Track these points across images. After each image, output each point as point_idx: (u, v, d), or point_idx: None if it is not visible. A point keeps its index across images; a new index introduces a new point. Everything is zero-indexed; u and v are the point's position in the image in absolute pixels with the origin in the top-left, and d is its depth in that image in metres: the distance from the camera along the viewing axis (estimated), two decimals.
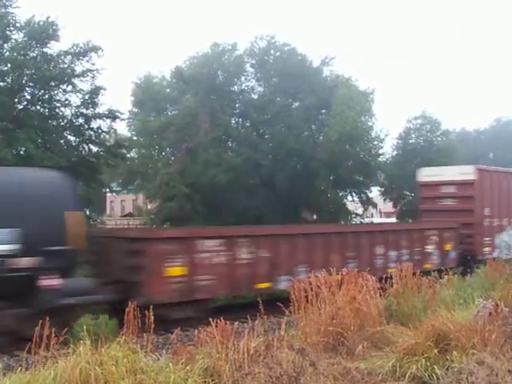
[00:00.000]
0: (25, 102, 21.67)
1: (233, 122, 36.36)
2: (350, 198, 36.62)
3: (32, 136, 19.64)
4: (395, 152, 39.16)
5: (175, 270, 13.15)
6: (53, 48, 21.76)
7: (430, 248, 19.99)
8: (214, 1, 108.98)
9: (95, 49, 22.26)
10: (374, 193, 38.73)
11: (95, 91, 22.72)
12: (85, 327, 7.84)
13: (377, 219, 41.14)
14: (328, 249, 16.37)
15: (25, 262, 10.98)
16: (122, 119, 25.45)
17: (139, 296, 11.38)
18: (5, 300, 10.73)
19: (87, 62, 22.31)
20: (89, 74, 22.36)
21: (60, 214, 11.67)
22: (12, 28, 21.21)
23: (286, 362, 7.57)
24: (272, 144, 32.77)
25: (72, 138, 22.83)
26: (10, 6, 21.28)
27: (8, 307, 10.82)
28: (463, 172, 23.42)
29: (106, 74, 23.88)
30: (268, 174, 30.70)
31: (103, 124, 23.36)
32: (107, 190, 32.21)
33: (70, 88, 22.18)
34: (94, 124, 22.97)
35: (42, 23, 21.30)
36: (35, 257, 10.99)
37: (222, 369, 7.21)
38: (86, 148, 23.10)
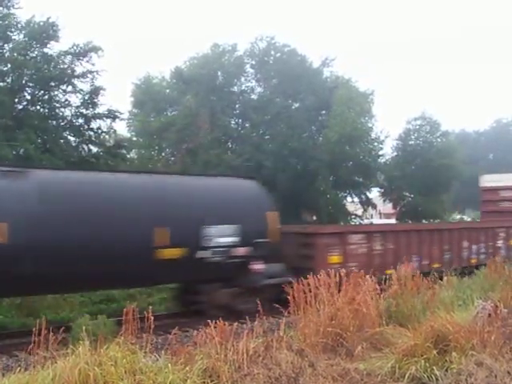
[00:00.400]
0: (25, 102, 21.67)
1: (233, 122, 36.40)
2: (349, 198, 36.62)
3: (31, 137, 19.64)
4: (395, 153, 39.18)
5: (334, 258, 16.47)
6: (53, 48, 21.82)
7: (499, 243, 23.45)
8: (213, 1, 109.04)
9: (95, 49, 22.27)
10: (374, 194, 38.73)
11: (95, 91, 22.71)
12: (84, 327, 7.83)
13: (376, 220, 41.06)
14: (431, 243, 19.92)
15: (241, 250, 14.27)
16: (122, 119, 25.45)
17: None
18: (224, 280, 13.65)
19: (87, 62, 22.35)
20: (88, 75, 22.39)
21: (263, 214, 15.07)
22: (13, 29, 21.24)
23: (285, 363, 7.57)
24: (274, 144, 32.77)
25: (72, 139, 22.81)
26: (12, 6, 21.33)
27: (225, 286, 13.77)
28: None
29: (105, 74, 23.87)
30: (269, 174, 30.71)
31: (103, 124, 23.37)
32: None
33: (69, 88, 22.20)
34: (94, 124, 22.96)
35: (42, 23, 21.30)
36: (248, 247, 14.33)
37: (221, 369, 7.21)
38: (86, 148, 23.08)
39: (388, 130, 53.91)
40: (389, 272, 16.78)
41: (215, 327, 7.89)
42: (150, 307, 8.25)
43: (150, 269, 12.81)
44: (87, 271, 11.76)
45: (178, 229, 13.09)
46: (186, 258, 13.22)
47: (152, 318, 7.94)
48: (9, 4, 21.14)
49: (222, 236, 13.95)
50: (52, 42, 21.61)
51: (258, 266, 14.49)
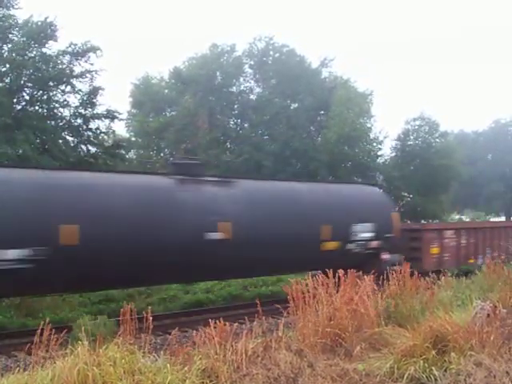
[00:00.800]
0: (23, 103, 21.67)
1: (231, 123, 36.41)
2: None
3: (30, 137, 19.63)
4: (394, 153, 39.20)
5: (435, 249, 20.33)
6: (51, 48, 21.84)
7: None
8: (213, 1, 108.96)
9: (93, 49, 22.30)
10: None
11: (94, 92, 22.73)
12: (83, 328, 7.82)
13: None
14: (499, 238, 23.64)
15: (375, 243, 17.58)
16: (121, 119, 25.48)
17: (418, 267, 16.84)
18: (360, 267, 14.82)
19: (86, 62, 22.37)
20: (87, 74, 22.40)
21: (390, 214, 18.64)
22: (12, 30, 21.26)
23: (284, 363, 7.56)
24: (276, 145, 32.80)
25: (70, 139, 22.84)
26: (12, 7, 21.34)
27: (363, 272, 15.45)
28: None
29: (104, 74, 23.89)
30: (269, 174, 30.77)
31: (102, 124, 23.40)
32: None
33: (68, 88, 22.21)
34: (93, 124, 23.00)
35: (40, 23, 21.31)
36: (379, 240, 17.59)
37: (219, 370, 7.20)
38: (85, 148, 23.09)
39: (387, 130, 53.82)
40: (471, 261, 21.36)
41: (214, 327, 7.88)
42: (149, 307, 8.25)
43: (317, 257, 16.18)
44: (277, 258, 15.10)
45: (336, 226, 16.65)
46: (339, 249, 16.77)
47: (151, 318, 7.93)
48: (8, 5, 21.17)
49: (363, 232, 17.37)
50: (50, 42, 21.68)
51: (386, 256, 17.72)
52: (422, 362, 7.93)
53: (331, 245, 16.56)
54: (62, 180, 12.53)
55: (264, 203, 15.38)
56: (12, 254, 11.06)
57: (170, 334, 8.71)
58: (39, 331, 7.21)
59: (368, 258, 17.16)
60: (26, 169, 13.08)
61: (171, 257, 13.01)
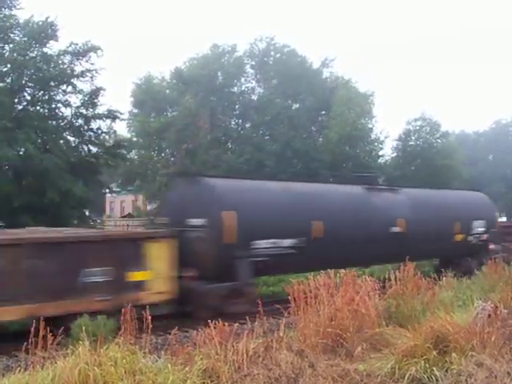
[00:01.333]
0: (25, 103, 21.67)
1: (233, 123, 36.41)
2: None
3: (31, 137, 19.63)
4: (395, 153, 39.18)
5: None
6: (52, 48, 21.85)
7: None
8: (213, 1, 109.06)
9: (94, 49, 22.29)
10: None
11: (95, 92, 22.72)
12: (84, 328, 7.81)
13: None
14: None
15: (484, 236, 22.62)
16: (122, 119, 25.48)
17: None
18: (476, 254, 21.66)
19: (86, 62, 22.36)
20: (88, 74, 22.38)
21: (494, 213, 24.47)
22: (15, 32, 21.29)
23: (285, 364, 7.55)
24: (277, 145, 32.80)
25: (72, 139, 22.84)
26: (14, 7, 21.36)
27: (472, 259, 21.24)
28: None
29: (105, 74, 23.91)
30: (270, 174, 30.76)
31: (103, 125, 23.40)
32: (107, 190, 32.13)
33: (69, 89, 22.21)
34: (94, 125, 23.00)
35: (40, 23, 21.32)
36: (487, 234, 22.67)
37: (220, 370, 7.19)
38: (86, 149, 23.09)
39: (388, 130, 53.90)
40: None
41: (215, 327, 7.87)
42: (148, 307, 8.23)
43: (451, 246, 21.20)
44: (431, 246, 19.96)
45: (463, 222, 21.70)
46: (463, 240, 21.75)
47: (150, 317, 7.91)
48: (10, 5, 21.20)
49: (478, 227, 22.30)
50: (51, 42, 21.67)
51: (492, 246, 22.57)
52: (423, 362, 7.92)
53: (459, 237, 21.60)
54: (309, 189, 17.68)
55: (421, 205, 20.46)
56: (286, 242, 15.51)
57: (170, 334, 8.67)
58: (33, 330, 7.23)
59: (479, 247, 22.42)
60: (280, 181, 18.90)
61: (370, 245, 17.59)
